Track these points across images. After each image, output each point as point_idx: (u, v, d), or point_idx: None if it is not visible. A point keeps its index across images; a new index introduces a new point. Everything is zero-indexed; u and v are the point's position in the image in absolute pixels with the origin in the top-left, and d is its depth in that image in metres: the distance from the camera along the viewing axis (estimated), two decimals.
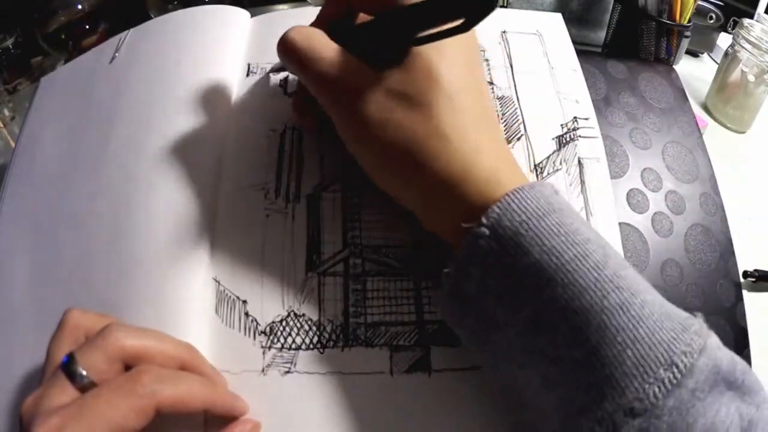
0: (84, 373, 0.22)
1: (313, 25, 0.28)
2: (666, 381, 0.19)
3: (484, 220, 0.21)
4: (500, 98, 0.34)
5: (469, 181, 0.23)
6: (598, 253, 0.21)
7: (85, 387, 0.22)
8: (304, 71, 0.26)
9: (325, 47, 0.25)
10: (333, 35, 0.26)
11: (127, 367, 0.23)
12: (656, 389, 0.19)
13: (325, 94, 0.25)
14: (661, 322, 0.20)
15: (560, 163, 0.32)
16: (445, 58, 0.24)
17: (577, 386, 0.20)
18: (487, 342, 0.23)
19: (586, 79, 0.36)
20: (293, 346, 0.27)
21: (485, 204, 0.22)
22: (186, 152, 0.32)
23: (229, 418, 0.25)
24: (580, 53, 0.38)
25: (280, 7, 0.59)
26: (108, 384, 0.22)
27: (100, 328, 0.24)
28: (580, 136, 0.34)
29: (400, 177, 0.24)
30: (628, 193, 0.37)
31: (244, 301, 0.28)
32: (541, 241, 0.21)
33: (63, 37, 0.61)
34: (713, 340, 0.21)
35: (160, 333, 0.25)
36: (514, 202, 0.21)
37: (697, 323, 0.21)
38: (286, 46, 0.26)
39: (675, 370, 0.20)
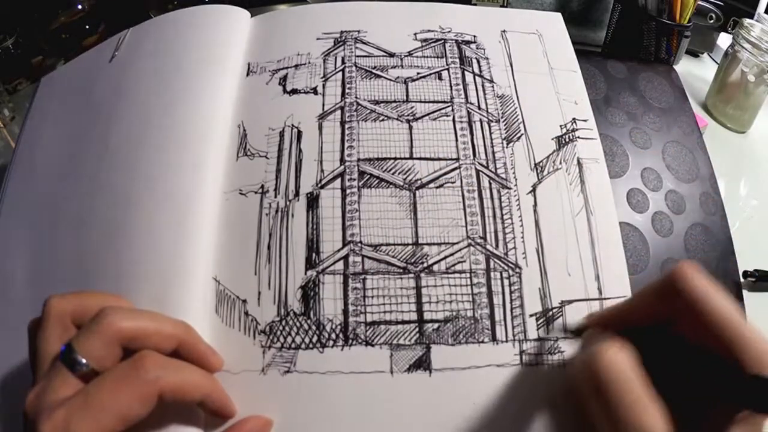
0: (84, 361, 0.22)
1: (607, 320, 0.26)
2: None
3: None
4: (500, 97, 0.34)
5: None
6: None
7: (86, 375, 0.22)
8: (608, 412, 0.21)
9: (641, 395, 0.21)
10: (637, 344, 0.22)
11: (126, 350, 0.23)
12: None
13: None
14: None
15: (560, 163, 0.32)
16: None
17: None
18: None
19: (586, 79, 0.36)
20: (293, 345, 0.27)
21: None
22: (185, 151, 0.32)
23: (220, 417, 0.25)
24: (580, 53, 0.38)
25: (280, 6, 0.59)
26: (110, 372, 0.22)
27: (86, 309, 0.24)
28: (578, 138, 0.34)
29: None
30: (628, 193, 0.37)
31: (244, 301, 0.28)
32: None
33: (63, 37, 0.61)
34: None
35: (155, 313, 0.25)
36: None
37: None
38: (599, 375, 0.21)
39: None
